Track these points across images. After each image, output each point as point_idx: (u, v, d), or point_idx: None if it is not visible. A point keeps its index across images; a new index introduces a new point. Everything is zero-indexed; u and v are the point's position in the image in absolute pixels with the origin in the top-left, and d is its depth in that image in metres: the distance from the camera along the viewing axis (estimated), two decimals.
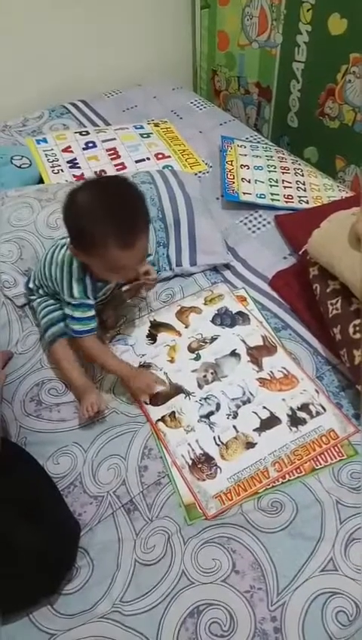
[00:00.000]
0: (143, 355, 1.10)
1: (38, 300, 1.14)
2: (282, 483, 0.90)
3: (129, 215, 0.88)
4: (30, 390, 1.05)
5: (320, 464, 0.93)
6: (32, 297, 1.17)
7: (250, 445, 0.95)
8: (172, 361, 1.09)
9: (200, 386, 1.05)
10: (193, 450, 0.95)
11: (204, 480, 0.90)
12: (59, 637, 0.75)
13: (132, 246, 0.89)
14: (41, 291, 1.14)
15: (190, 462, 0.93)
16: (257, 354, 1.10)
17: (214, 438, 0.96)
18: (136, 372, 1.04)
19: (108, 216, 0.87)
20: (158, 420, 0.99)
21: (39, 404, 1.03)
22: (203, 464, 0.93)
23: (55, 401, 1.03)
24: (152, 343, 1.13)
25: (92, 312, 1.01)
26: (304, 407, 1.01)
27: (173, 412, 1.00)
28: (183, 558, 0.82)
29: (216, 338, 1.13)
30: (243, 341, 1.12)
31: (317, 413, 1.00)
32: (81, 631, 0.75)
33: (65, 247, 1.03)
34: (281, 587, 0.79)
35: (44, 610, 0.77)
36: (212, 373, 1.07)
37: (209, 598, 0.78)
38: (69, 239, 0.97)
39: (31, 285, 1.16)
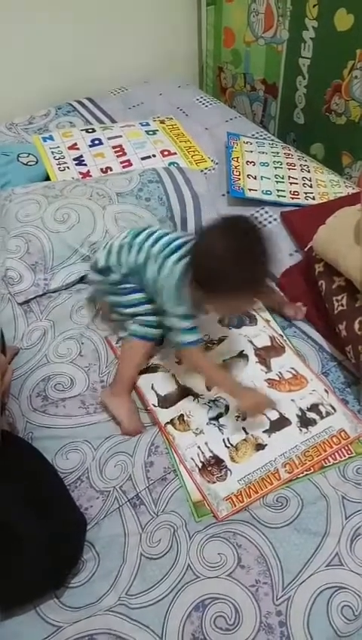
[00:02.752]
0: (151, 357, 1.10)
1: (130, 287, 1.07)
2: (290, 480, 0.90)
3: (267, 265, 0.88)
4: (36, 385, 1.06)
5: (329, 462, 0.93)
6: (112, 277, 1.08)
7: (260, 447, 0.95)
8: (180, 362, 1.09)
9: (208, 388, 1.04)
10: (202, 452, 0.94)
11: (214, 482, 0.90)
12: (65, 629, 0.75)
13: (262, 293, 0.98)
14: (127, 282, 1.07)
15: (200, 465, 0.93)
16: (265, 355, 1.09)
17: (224, 440, 0.96)
18: (246, 391, 0.98)
19: (253, 263, 0.85)
20: (167, 422, 0.99)
21: (45, 400, 1.03)
22: (213, 466, 0.92)
23: (61, 396, 1.04)
24: (160, 345, 1.12)
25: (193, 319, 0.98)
26: (313, 407, 1.00)
27: (182, 415, 1.00)
28: (189, 552, 0.82)
29: (223, 339, 1.13)
30: (251, 342, 1.11)
31: (327, 414, 0.99)
32: (87, 623, 0.76)
33: (179, 264, 0.96)
34: (286, 582, 0.79)
35: (50, 603, 0.78)
36: None
37: (214, 592, 0.78)
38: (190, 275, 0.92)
39: (112, 264, 1.07)
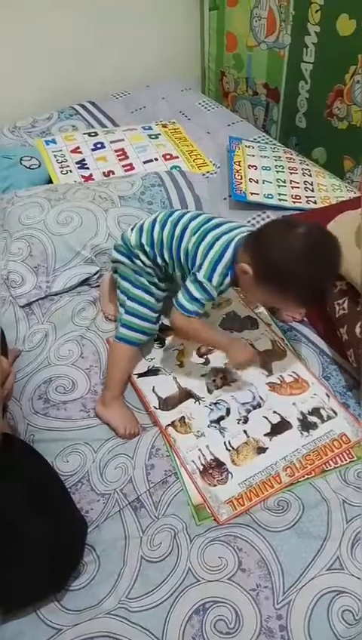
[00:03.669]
0: (152, 359, 1.10)
1: (138, 283, 1.07)
2: (291, 484, 0.90)
3: (328, 283, 0.92)
4: (38, 388, 1.06)
5: (330, 466, 0.93)
6: (137, 262, 1.07)
7: (261, 450, 0.95)
8: (181, 365, 1.09)
9: (209, 391, 1.04)
10: (204, 455, 0.94)
11: (215, 485, 0.90)
12: (65, 632, 0.75)
13: (309, 305, 1.00)
14: (139, 260, 1.06)
15: (201, 467, 0.92)
16: (267, 358, 1.09)
17: (225, 443, 0.96)
18: (237, 345, 1.01)
19: (324, 272, 0.88)
20: (168, 425, 0.99)
21: (47, 402, 1.04)
22: (214, 469, 0.92)
23: (62, 399, 1.04)
24: (161, 347, 1.13)
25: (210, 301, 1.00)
26: (315, 411, 1.00)
27: (183, 417, 1.00)
28: (189, 556, 0.82)
29: None
30: (253, 345, 1.12)
31: (329, 418, 0.99)
32: (88, 626, 0.75)
33: (221, 238, 0.98)
34: (287, 586, 0.79)
35: (50, 605, 0.78)
36: (221, 378, 1.06)
37: (215, 596, 0.78)
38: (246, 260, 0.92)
39: (144, 242, 1.05)
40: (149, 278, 1.08)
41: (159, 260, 1.05)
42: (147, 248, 1.05)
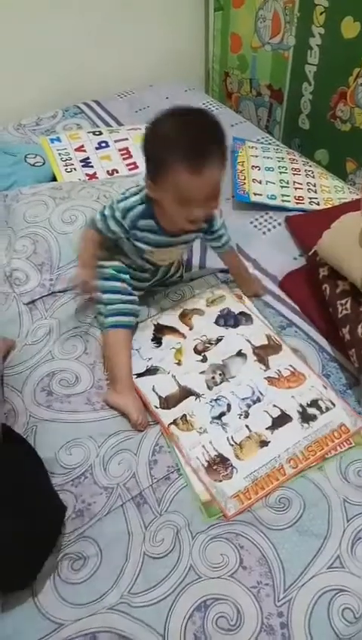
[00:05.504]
0: (150, 359, 1.10)
1: (113, 264, 1.11)
2: (295, 475, 0.92)
3: (201, 139, 0.86)
4: (41, 380, 1.06)
5: (331, 454, 0.95)
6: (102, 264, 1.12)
7: (264, 444, 0.96)
8: (179, 363, 1.10)
9: (209, 388, 1.05)
10: (207, 451, 0.95)
11: (220, 481, 0.91)
12: (67, 627, 0.75)
13: (200, 171, 0.86)
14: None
15: (205, 464, 0.93)
16: (263, 353, 1.10)
17: (227, 438, 0.97)
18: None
19: (180, 139, 0.86)
20: (170, 423, 0.99)
21: (50, 395, 1.04)
22: (218, 465, 0.93)
23: (66, 392, 1.04)
24: (158, 347, 1.13)
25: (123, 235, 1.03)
26: (313, 403, 1.02)
27: (185, 415, 1.00)
28: (191, 553, 0.82)
29: (221, 339, 1.14)
30: (249, 341, 1.13)
31: (327, 409, 1.01)
32: (89, 621, 0.76)
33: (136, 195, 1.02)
34: (288, 583, 0.80)
35: (51, 599, 0.78)
36: (220, 375, 1.07)
37: (216, 593, 0.79)
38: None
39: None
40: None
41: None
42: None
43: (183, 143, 0.86)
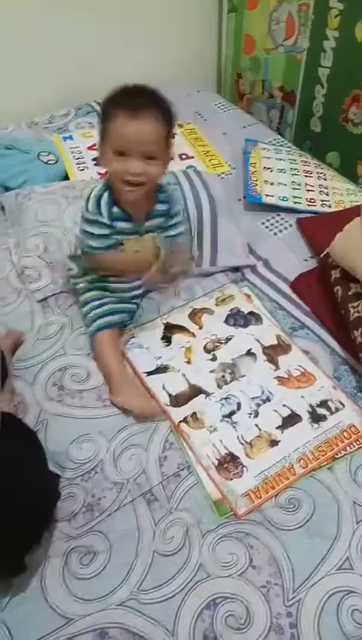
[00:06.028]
0: (160, 358, 1.11)
1: (83, 286, 1.15)
2: (305, 475, 0.92)
3: (140, 93, 0.96)
4: (52, 375, 1.07)
5: (340, 454, 0.95)
6: (75, 280, 1.16)
7: (274, 443, 0.96)
8: (189, 362, 1.10)
9: (219, 386, 1.05)
10: (218, 450, 0.95)
11: (231, 479, 0.91)
12: (77, 621, 0.76)
13: (135, 115, 0.91)
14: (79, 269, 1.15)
15: (216, 462, 0.93)
16: (273, 353, 1.11)
17: (238, 437, 0.97)
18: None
19: (119, 95, 0.96)
20: (181, 421, 0.99)
21: (61, 389, 1.04)
22: (229, 463, 0.93)
23: (77, 388, 1.05)
24: (168, 345, 1.14)
25: (107, 231, 1.04)
26: (323, 403, 1.02)
27: (195, 413, 1.01)
28: (201, 551, 0.83)
29: (230, 338, 1.14)
30: (258, 340, 1.13)
31: (337, 409, 1.01)
32: (99, 617, 0.76)
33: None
34: (297, 584, 0.80)
35: (61, 593, 0.78)
36: (230, 374, 1.07)
37: (225, 591, 0.79)
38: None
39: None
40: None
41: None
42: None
43: (121, 96, 0.96)
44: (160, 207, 1.09)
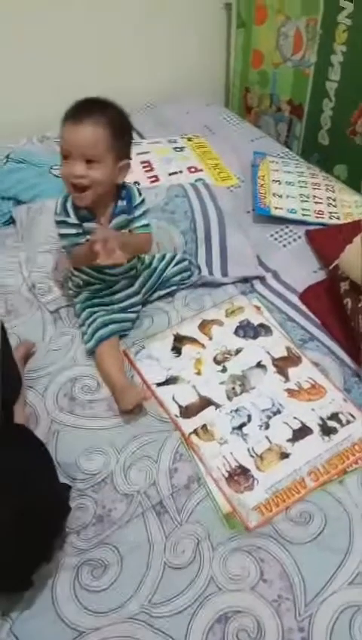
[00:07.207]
0: (170, 369, 1.11)
1: (81, 298, 1.18)
2: (316, 488, 0.91)
3: (87, 102, 1.03)
4: (64, 385, 1.08)
5: (351, 467, 0.94)
6: (71, 292, 1.20)
7: (285, 456, 0.96)
8: (199, 373, 1.10)
9: (229, 398, 1.05)
10: (228, 462, 0.95)
11: (241, 492, 0.91)
12: (88, 635, 0.75)
13: (77, 120, 0.99)
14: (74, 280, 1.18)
15: (226, 474, 0.93)
16: (283, 365, 1.11)
17: (248, 449, 0.97)
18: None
19: (73, 105, 1.03)
20: (191, 432, 1.00)
21: (72, 400, 1.05)
22: (239, 476, 0.93)
23: (88, 398, 1.06)
24: (178, 356, 1.14)
25: (74, 230, 1.07)
26: (334, 416, 1.02)
27: (205, 425, 1.01)
28: (212, 564, 0.82)
29: (240, 350, 1.14)
30: (268, 352, 1.13)
31: (348, 422, 1.01)
32: (111, 630, 0.76)
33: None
34: (309, 598, 0.79)
35: (72, 606, 0.78)
36: (240, 385, 1.08)
37: (237, 605, 0.78)
38: None
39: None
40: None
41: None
42: None
43: (72, 107, 1.03)
44: (121, 203, 1.11)
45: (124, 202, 1.11)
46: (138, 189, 1.14)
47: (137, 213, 1.12)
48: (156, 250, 1.28)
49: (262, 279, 1.32)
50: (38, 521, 0.76)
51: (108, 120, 1.01)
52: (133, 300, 1.19)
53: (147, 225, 1.13)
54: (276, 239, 1.44)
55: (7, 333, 1.00)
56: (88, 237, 1.05)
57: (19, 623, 0.77)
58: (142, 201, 1.13)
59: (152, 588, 0.80)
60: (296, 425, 1.00)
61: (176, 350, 1.15)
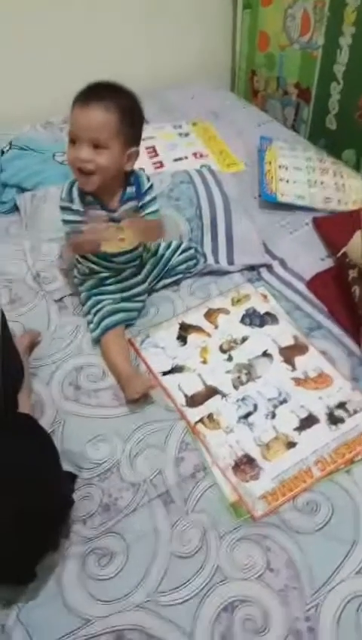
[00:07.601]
0: (175, 358, 1.10)
1: (86, 286, 1.17)
2: (322, 478, 0.91)
3: (98, 86, 1.01)
4: (69, 374, 1.07)
5: (359, 457, 0.94)
6: (79, 287, 1.19)
7: (291, 445, 0.95)
8: (205, 362, 1.10)
9: (235, 387, 1.05)
10: (234, 451, 0.95)
11: (248, 481, 0.90)
12: (94, 623, 0.76)
13: (86, 104, 0.98)
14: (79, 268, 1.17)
15: (232, 463, 0.93)
16: (290, 354, 1.10)
17: (254, 438, 0.96)
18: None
19: (84, 89, 1.01)
20: (197, 421, 0.99)
21: (78, 389, 1.05)
22: (245, 465, 0.93)
23: (94, 387, 1.05)
24: (183, 345, 1.13)
25: (78, 217, 1.07)
26: (341, 405, 1.01)
27: (211, 414, 1.00)
28: (218, 554, 0.82)
29: (246, 339, 1.13)
30: (275, 341, 1.12)
31: (355, 411, 1.00)
32: (117, 619, 0.76)
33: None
34: (315, 588, 0.79)
35: (79, 594, 0.78)
36: (246, 374, 1.07)
37: (243, 595, 0.78)
38: None
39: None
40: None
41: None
42: None
43: (82, 91, 1.01)
44: (129, 190, 1.09)
45: (133, 189, 1.09)
46: (146, 175, 1.12)
47: (147, 198, 1.10)
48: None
49: (268, 267, 1.31)
50: (40, 515, 0.75)
51: (117, 105, 0.99)
52: (139, 289, 1.18)
53: (156, 211, 1.12)
54: (283, 226, 1.42)
55: (11, 323, 0.99)
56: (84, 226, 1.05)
57: (25, 611, 0.77)
58: (151, 186, 1.11)
59: (159, 577, 0.80)
60: (303, 414, 1.00)
61: (182, 339, 1.15)
